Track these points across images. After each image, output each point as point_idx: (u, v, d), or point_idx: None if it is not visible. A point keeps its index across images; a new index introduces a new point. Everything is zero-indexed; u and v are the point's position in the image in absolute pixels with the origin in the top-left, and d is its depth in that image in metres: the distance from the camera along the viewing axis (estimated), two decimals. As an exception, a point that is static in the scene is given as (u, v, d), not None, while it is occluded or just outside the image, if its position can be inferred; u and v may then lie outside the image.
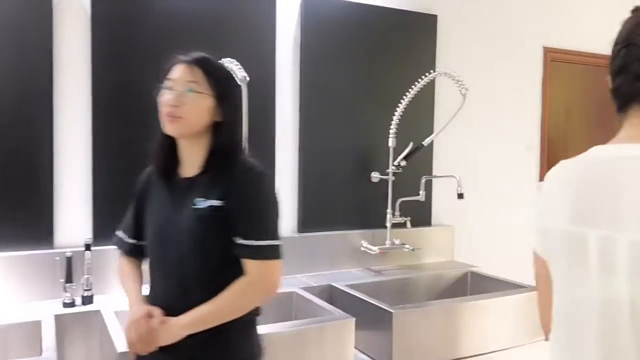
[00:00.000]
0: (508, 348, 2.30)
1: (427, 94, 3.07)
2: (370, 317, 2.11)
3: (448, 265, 3.04)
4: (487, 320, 2.28)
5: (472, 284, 2.89)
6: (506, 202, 3.56)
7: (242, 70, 1.91)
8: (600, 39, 4.04)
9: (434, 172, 3.15)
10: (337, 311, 2.03)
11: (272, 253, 1.36)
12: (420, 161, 3.05)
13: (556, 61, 3.72)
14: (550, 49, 3.68)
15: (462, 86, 2.63)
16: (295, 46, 2.74)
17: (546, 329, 1.13)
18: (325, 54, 2.78)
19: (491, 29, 3.42)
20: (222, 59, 2.03)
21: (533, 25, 3.61)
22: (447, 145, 3.26)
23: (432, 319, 2.13)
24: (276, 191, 1.42)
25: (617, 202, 0.95)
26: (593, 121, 3.96)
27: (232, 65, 1.95)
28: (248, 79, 1.89)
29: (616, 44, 1.12)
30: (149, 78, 1.41)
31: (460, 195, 2.67)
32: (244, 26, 2.54)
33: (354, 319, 1.93)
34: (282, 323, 1.93)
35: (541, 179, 3.74)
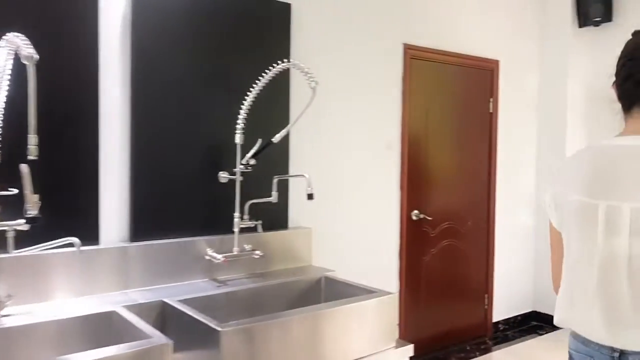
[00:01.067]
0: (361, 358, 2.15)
1: (282, 88, 2.86)
2: (198, 337, 1.84)
3: (304, 270, 2.85)
4: (336, 330, 2.10)
5: (326, 291, 2.72)
6: (367, 202, 3.45)
7: (30, 46, 1.56)
8: (458, 38, 4.14)
9: (292, 172, 2.95)
10: (156, 334, 1.73)
11: None
12: (275, 160, 2.83)
13: (416, 59, 3.68)
14: (410, 46, 3.63)
15: (311, 79, 2.44)
16: (126, 25, 2.39)
17: (556, 284, 1.44)
18: (162, 38, 2.46)
19: (350, 23, 3.29)
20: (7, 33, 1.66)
21: (393, 21, 3.54)
22: (305, 144, 3.07)
23: (270, 334, 1.90)
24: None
25: (621, 180, 1.24)
26: (452, 119, 4.00)
27: (17, 39, 1.59)
28: (37, 57, 1.55)
29: (621, 58, 1.41)
30: None
31: (310, 196, 2.47)
32: None
33: (170, 343, 1.65)
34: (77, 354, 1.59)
35: (402, 178, 3.77)
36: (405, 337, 3.73)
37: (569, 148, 4.48)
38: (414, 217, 3.75)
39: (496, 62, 4.24)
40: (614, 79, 1.45)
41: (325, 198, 3.21)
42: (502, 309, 4.41)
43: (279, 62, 2.48)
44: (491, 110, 4.25)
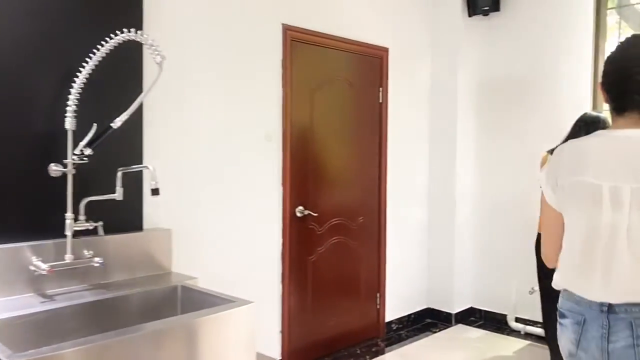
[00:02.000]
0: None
1: (132, 68, 2.45)
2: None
3: (160, 279, 2.45)
4: (182, 347, 1.75)
5: (183, 302, 2.35)
6: (243, 198, 3.11)
7: None
8: (345, 22, 3.87)
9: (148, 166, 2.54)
10: None
11: None
12: (122, 151, 2.42)
13: (298, 41, 3.38)
14: (291, 28, 3.33)
15: (156, 52, 2.06)
16: None
17: (552, 258, 1.68)
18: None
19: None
20: None
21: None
22: (165, 134, 2.68)
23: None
24: None
25: (622, 165, 1.48)
26: (340, 109, 3.74)
27: None
28: None
29: (609, 63, 1.58)
30: None
31: (155, 191, 2.09)
32: None
33: None
34: None
35: (285, 171, 3.47)
36: (291, 345, 3.43)
37: (460, 140, 4.38)
38: (299, 214, 3.45)
39: (385, 50, 4.04)
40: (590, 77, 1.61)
41: (191, 195, 2.84)
42: (396, 307, 4.24)
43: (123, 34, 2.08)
44: (381, 101, 4.04)
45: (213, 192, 2.94)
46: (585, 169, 1.53)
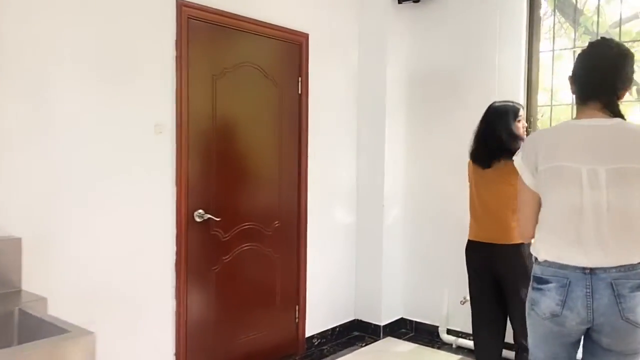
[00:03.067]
0: None
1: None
2: None
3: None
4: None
5: (20, 329, 1.88)
6: (125, 202, 2.64)
7: None
8: (256, 1, 3.40)
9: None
10: None
11: None
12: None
13: (196, 20, 2.94)
14: (187, 3, 2.88)
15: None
16: None
17: (529, 233, 1.95)
18: None
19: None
20: None
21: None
22: (18, 124, 2.21)
23: None
24: None
25: (596, 150, 1.76)
26: (251, 100, 3.31)
27: None
28: None
29: (580, 60, 1.92)
30: None
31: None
32: None
33: None
34: None
35: (179, 169, 2.93)
36: (188, 368, 2.97)
37: (390, 133, 4.02)
38: (198, 219, 3.00)
39: (305, 36, 3.64)
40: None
41: (53, 198, 2.36)
42: (318, 320, 3.83)
43: None
44: (300, 92, 3.65)
45: (83, 194, 2.46)
46: (563, 154, 1.79)
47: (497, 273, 2.76)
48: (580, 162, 1.75)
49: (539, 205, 1.88)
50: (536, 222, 1.90)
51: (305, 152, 3.69)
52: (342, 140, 4.04)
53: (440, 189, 3.97)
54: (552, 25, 3.69)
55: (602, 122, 1.79)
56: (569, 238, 1.77)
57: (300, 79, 3.63)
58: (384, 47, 4.01)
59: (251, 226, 3.35)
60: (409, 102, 4.16)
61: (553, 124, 3.46)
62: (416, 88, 4.13)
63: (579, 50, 2.04)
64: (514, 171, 1.97)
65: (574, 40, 3.65)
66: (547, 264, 1.83)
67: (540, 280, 1.84)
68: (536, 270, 1.88)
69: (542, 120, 3.75)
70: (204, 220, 3.03)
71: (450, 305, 3.87)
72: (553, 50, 3.62)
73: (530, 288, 1.91)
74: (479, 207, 2.84)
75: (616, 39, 2.90)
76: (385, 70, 4.01)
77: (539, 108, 3.71)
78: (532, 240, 1.96)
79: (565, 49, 3.68)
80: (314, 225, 3.76)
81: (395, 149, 4.09)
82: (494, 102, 2.93)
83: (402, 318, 4.19)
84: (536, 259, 1.90)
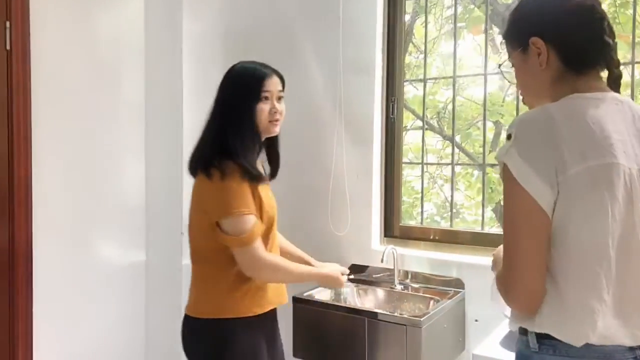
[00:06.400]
0: None
1: None
2: None
3: None
4: None
5: None
6: None
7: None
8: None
9: None
10: None
11: None
12: None
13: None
14: None
15: None
16: None
17: (537, 293, 1.04)
18: None
19: None
20: None
21: None
22: None
23: None
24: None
25: (634, 139, 1.05)
26: None
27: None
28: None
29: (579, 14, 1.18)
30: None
31: None
32: None
33: None
34: None
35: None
36: None
37: (192, 122, 2.56)
38: None
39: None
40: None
41: None
42: None
43: None
44: (9, 46, 2.10)
45: None
46: (609, 145, 1.02)
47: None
48: (628, 158, 1.02)
49: (549, 241, 1.05)
50: (545, 271, 1.05)
51: (25, 153, 2.15)
52: (116, 133, 2.53)
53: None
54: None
55: (620, 98, 1.10)
56: (598, 299, 1.00)
57: (8, 23, 2.08)
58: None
59: None
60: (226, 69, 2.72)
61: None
62: (238, 52, 2.69)
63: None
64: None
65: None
66: (584, 351, 1.02)
67: None
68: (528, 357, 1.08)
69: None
70: None
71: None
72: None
73: None
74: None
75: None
76: (182, 26, 2.54)
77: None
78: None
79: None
80: (51, 274, 2.24)
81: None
82: (239, 63, 1.91)
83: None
84: (540, 344, 1.06)
